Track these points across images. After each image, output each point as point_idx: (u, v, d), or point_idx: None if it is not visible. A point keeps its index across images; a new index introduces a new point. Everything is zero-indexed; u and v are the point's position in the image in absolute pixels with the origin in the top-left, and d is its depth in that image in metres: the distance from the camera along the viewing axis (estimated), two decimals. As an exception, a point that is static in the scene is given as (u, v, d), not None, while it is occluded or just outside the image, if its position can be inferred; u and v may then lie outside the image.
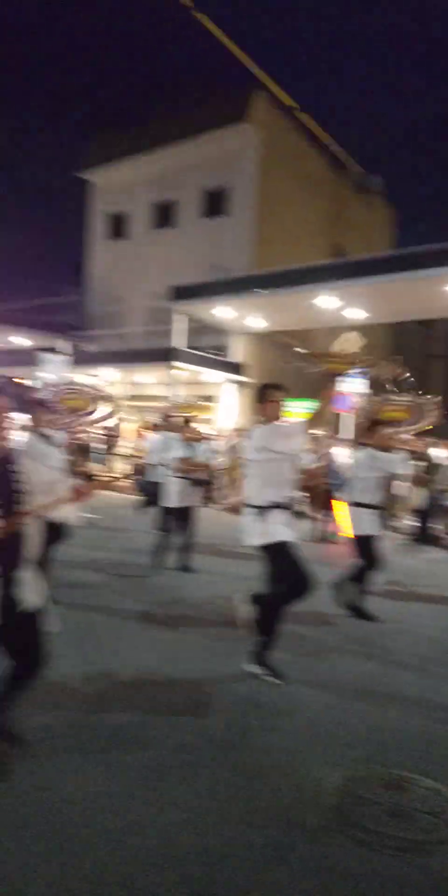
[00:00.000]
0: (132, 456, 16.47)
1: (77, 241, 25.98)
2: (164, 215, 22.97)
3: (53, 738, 3.14)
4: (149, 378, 20.96)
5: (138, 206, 23.62)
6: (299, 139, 22.11)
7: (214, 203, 21.54)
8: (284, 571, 3.97)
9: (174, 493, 7.13)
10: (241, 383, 19.72)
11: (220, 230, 21.18)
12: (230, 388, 19.71)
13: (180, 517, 7.21)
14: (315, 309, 16.34)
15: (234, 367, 19.71)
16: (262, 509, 3.99)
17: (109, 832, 2.46)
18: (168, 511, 7.22)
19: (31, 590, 2.72)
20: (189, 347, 18.78)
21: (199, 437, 7.86)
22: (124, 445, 17.56)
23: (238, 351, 20.18)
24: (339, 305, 15.66)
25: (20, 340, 25.84)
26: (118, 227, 24.41)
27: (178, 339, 18.35)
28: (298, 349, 4.47)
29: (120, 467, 16.98)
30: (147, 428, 14.36)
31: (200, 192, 21.79)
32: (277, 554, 3.98)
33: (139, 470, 13.06)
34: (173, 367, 17.61)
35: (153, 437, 10.32)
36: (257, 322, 18.80)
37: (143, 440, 13.18)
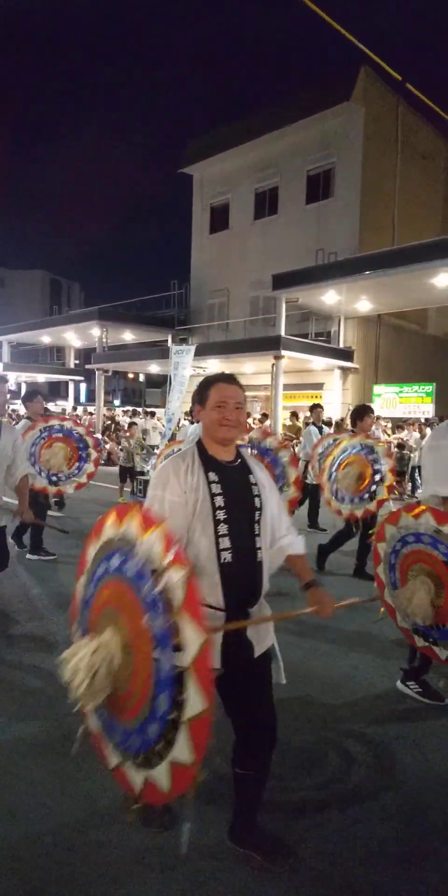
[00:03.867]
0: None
1: (181, 237, 26.48)
2: (267, 203, 22.76)
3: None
4: (254, 368, 20.90)
5: (240, 197, 23.57)
6: (409, 114, 21.03)
7: (318, 186, 21.03)
8: None
9: None
10: (349, 370, 19.18)
11: (325, 214, 20.66)
12: (339, 375, 19.23)
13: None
14: (430, 288, 15.53)
15: (342, 354, 19.18)
16: None
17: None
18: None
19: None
20: (295, 335, 18.49)
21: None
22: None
23: (345, 336, 19.64)
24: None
25: (127, 336, 26.77)
26: (220, 218, 24.51)
27: (284, 328, 18.09)
28: None
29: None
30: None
31: (303, 177, 21.36)
32: None
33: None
34: (279, 357, 17.36)
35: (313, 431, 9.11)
36: (365, 305, 18.16)
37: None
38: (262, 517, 2.19)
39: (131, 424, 13.72)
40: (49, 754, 2.94)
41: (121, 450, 12.74)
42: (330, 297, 17.40)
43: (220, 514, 2.09)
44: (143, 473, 11.43)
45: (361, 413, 6.48)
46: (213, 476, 2.12)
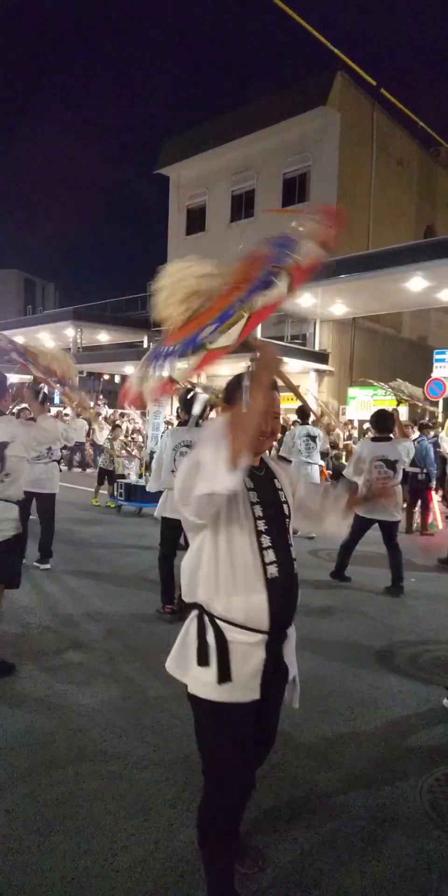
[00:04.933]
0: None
1: (157, 238, 26.40)
2: (243, 205, 22.80)
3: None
4: (229, 370, 20.87)
5: (216, 199, 23.57)
6: (384, 119, 21.26)
7: (294, 189, 21.14)
8: None
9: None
10: (324, 372, 19.30)
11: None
12: (314, 377, 19.33)
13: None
14: (404, 292, 15.71)
15: (317, 356, 19.29)
16: None
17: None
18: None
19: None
20: (271, 338, 18.54)
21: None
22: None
23: (320, 339, 19.76)
24: (430, 286, 14.98)
25: (102, 337, 26.55)
26: (197, 220, 24.48)
27: (260, 330, 18.12)
28: None
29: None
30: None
31: (280, 180, 21.45)
32: None
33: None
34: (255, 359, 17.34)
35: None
36: (340, 308, 18.30)
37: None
38: (291, 525, 2.01)
39: (115, 427, 13.35)
40: (16, 757, 2.88)
41: (102, 451, 12.55)
42: (305, 299, 17.48)
43: (261, 525, 1.86)
44: (123, 476, 11.27)
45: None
46: (248, 483, 1.88)
